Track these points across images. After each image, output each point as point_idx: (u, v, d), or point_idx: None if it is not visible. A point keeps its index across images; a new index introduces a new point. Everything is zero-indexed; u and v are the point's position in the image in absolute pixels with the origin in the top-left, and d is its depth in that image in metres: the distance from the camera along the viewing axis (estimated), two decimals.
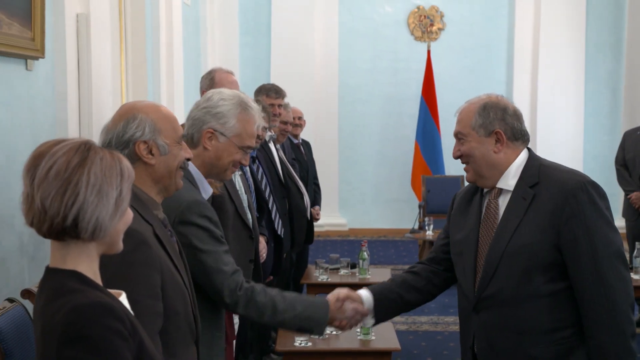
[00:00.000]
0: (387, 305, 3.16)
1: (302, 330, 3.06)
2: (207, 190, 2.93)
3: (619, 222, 2.77)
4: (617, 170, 7.43)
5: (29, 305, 3.26)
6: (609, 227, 2.70)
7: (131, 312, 1.82)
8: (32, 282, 3.85)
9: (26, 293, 3.35)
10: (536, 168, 2.80)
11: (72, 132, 4.53)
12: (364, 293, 3.16)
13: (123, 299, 1.88)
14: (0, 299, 3.39)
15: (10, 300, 3.18)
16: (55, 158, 1.70)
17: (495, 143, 2.81)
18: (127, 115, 2.34)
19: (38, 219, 1.71)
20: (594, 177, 2.81)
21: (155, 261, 2.18)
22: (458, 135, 2.88)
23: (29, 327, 3.10)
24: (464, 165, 2.90)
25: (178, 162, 2.39)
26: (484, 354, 2.83)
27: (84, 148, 1.74)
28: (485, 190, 2.91)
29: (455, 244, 2.98)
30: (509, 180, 2.81)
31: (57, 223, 1.69)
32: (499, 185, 2.84)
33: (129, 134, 2.31)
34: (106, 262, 1.95)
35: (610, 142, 11.27)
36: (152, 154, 2.33)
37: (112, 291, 1.83)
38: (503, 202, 2.83)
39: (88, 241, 1.74)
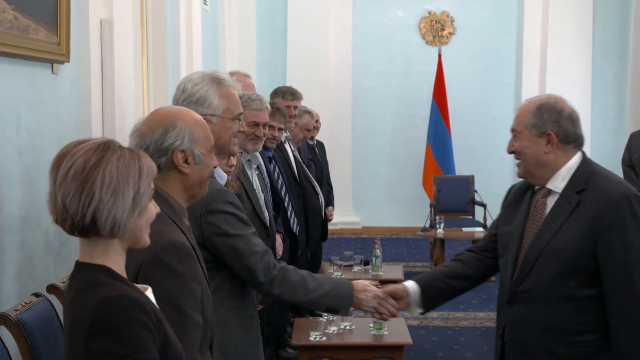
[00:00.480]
0: (435, 294, 3.24)
1: (330, 309, 3.08)
2: (221, 175, 2.97)
3: None
4: (624, 170, 7.39)
5: (54, 299, 3.31)
6: None
7: (156, 306, 1.84)
8: (58, 277, 3.90)
9: (52, 288, 3.39)
10: (586, 174, 2.81)
11: (95, 133, 4.54)
12: (410, 284, 3.22)
13: (149, 293, 1.90)
14: (26, 294, 3.45)
15: (37, 295, 3.21)
16: (74, 158, 1.73)
17: (546, 144, 2.82)
18: (164, 122, 2.30)
19: (61, 217, 1.75)
20: None
21: (199, 274, 2.20)
22: (513, 131, 2.91)
23: (54, 321, 3.15)
24: (517, 161, 2.93)
25: (210, 171, 2.38)
26: (511, 344, 2.91)
27: (103, 148, 1.76)
28: (537, 187, 2.94)
29: (503, 236, 3.02)
30: (558, 182, 2.84)
31: (77, 221, 1.72)
32: (548, 185, 2.86)
33: (168, 142, 2.28)
34: (160, 277, 2.04)
35: (616, 144, 11.24)
36: (188, 163, 2.30)
37: (138, 285, 1.87)
38: (550, 202, 2.86)
39: (109, 238, 1.77)
